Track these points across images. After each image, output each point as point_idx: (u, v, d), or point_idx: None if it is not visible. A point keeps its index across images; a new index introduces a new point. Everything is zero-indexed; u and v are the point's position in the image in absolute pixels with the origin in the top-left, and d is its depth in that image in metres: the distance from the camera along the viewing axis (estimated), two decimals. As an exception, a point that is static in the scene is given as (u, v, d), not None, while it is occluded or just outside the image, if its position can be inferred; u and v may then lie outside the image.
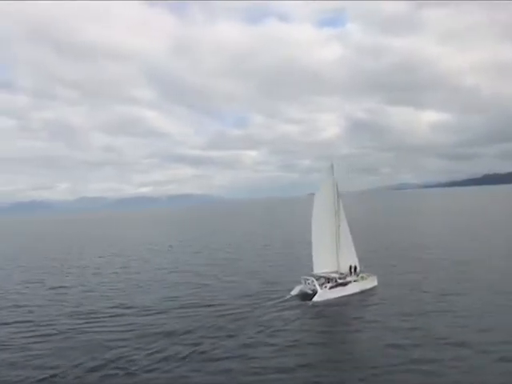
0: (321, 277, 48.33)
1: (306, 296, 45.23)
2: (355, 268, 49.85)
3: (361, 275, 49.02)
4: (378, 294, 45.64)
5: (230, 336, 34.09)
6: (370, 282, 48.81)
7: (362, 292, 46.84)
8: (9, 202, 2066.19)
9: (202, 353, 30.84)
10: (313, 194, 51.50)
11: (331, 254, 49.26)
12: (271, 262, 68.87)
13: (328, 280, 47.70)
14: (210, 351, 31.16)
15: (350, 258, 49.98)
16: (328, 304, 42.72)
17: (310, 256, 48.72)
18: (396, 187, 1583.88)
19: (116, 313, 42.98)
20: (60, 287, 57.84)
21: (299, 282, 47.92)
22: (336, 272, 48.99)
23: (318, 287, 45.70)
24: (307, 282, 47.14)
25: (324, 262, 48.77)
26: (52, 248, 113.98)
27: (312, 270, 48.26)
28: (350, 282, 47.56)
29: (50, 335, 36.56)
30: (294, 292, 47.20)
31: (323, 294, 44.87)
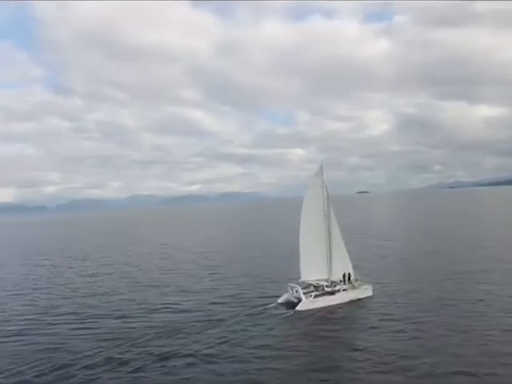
0: (310, 285, 45.76)
1: (292, 305, 42.86)
2: (349, 276, 46.80)
3: (353, 284, 45.88)
4: (366, 306, 42.44)
5: (185, 345, 32.47)
6: (363, 292, 45.43)
7: (353, 302, 43.79)
8: (67, 199, 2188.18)
9: (138, 368, 29.16)
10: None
11: (321, 260, 46.35)
12: (277, 265, 66.65)
13: (316, 288, 45.04)
14: (150, 364, 29.69)
15: (342, 265, 46.86)
16: (308, 315, 40.10)
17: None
18: (450, 185, 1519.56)
19: (71, 314, 43.03)
20: (44, 288, 58.42)
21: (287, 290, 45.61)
22: (326, 280, 46.17)
23: (302, 296, 43.15)
24: (294, 289, 44.66)
25: (313, 269, 45.96)
26: (70, 246, 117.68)
27: (299, 277, 45.79)
28: (338, 290, 44.59)
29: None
30: (281, 300, 45.00)
31: (307, 304, 42.27)
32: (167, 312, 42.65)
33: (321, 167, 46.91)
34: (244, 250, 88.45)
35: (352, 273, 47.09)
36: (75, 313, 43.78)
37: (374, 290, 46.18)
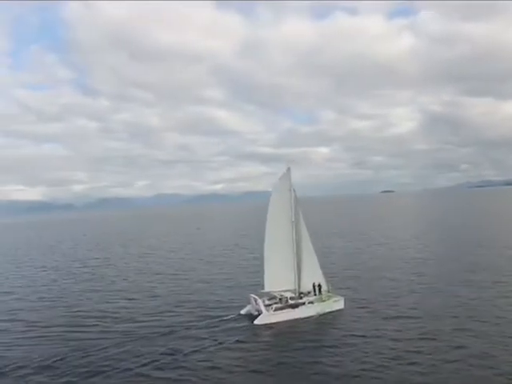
0: (276, 296, 42.40)
1: (253, 317, 39.68)
2: (319, 287, 43.20)
3: (321, 296, 42.26)
4: (330, 321, 38.66)
5: (117, 362, 29.99)
6: (332, 305, 41.55)
7: (320, 316, 40.19)
8: (94, 198, 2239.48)
9: None
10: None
11: (287, 269, 42.92)
12: (255, 271, 63.26)
13: (280, 300, 41.65)
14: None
15: (312, 275, 43.30)
16: (263, 330, 36.88)
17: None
18: (478, 184, 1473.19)
19: (17, 321, 41.82)
20: (18, 292, 57.33)
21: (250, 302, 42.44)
22: (294, 291, 42.74)
23: (262, 308, 39.88)
24: (256, 301, 41.38)
25: (278, 278, 42.50)
26: (73, 246, 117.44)
27: (263, 288, 42.48)
28: (303, 303, 41.04)
29: None
30: (243, 311, 41.91)
31: (266, 317, 38.92)
32: (111, 322, 40.05)
33: (288, 169, 43.41)
34: (234, 253, 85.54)
35: (323, 283, 43.51)
36: (22, 320, 42.30)
37: (347, 303, 42.31)
